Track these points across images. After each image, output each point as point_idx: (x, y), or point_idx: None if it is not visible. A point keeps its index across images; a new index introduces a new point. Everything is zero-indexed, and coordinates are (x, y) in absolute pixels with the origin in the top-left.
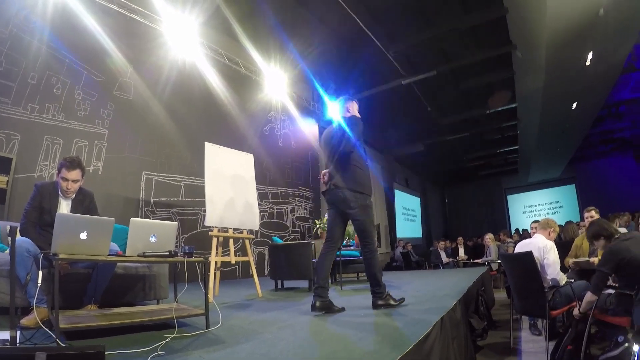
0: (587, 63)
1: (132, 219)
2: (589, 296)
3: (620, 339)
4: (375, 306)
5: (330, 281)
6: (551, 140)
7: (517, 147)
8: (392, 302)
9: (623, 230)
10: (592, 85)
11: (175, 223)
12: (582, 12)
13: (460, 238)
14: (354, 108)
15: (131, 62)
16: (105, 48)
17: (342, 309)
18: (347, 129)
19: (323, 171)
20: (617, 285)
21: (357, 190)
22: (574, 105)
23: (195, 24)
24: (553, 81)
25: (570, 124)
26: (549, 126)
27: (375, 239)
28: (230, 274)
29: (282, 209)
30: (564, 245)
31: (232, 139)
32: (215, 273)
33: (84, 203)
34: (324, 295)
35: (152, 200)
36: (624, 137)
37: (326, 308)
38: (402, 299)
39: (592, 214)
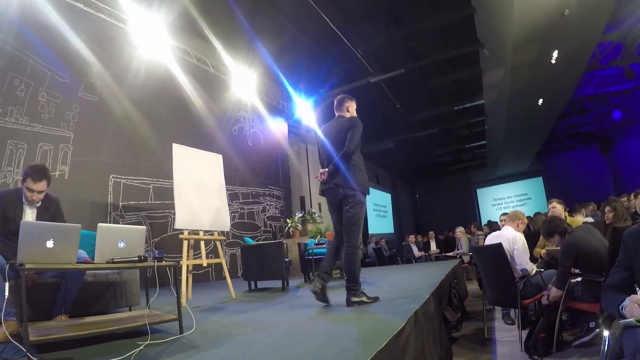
0: (553, 61)
1: (99, 224)
2: (554, 291)
3: (592, 324)
4: (349, 303)
5: (304, 279)
6: (518, 135)
7: (485, 142)
8: (365, 300)
9: (589, 219)
10: (557, 82)
11: (143, 227)
12: (548, 12)
13: (431, 232)
14: (353, 108)
15: (97, 62)
16: (70, 48)
17: (329, 304)
18: (349, 130)
19: (321, 170)
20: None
21: (356, 189)
22: (540, 101)
23: (162, 24)
24: (519, 78)
25: (537, 120)
26: (515, 122)
27: (360, 236)
28: (203, 277)
29: (253, 209)
30: (532, 236)
31: (201, 140)
32: (187, 277)
33: (49, 210)
34: (324, 279)
35: (120, 204)
36: (589, 131)
37: (322, 290)
38: (376, 298)
39: (554, 205)
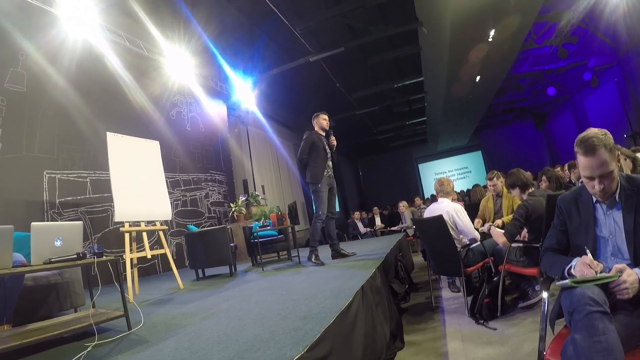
0: (490, 39)
1: (32, 223)
2: (502, 239)
3: (537, 287)
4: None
5: (251, 263)
6: (457, 111)
7: (425, 118)
8: (313, 260)
9: None
10: (494, 60)
11: (79, 222)
12: None
13: (375, 208)
14: (318, 122)
15: (23, 49)
16: None
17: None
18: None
19: None
20: (525, 240)
21: (310, 181)
22: (478, 78)
23: (92, 5)
24: (457, 56)
25: (474, 96)
26: (454, 98)
27: (320, 211)
28: (151, 269)
29: (196, 195)
30: (472, 207)
31: (137, 127)
32: (132, 271)
33: None
34: (336, 249)
35: (57, 201)
36: (524, 107)
37: (336, 254)
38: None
39: (494, 182)
